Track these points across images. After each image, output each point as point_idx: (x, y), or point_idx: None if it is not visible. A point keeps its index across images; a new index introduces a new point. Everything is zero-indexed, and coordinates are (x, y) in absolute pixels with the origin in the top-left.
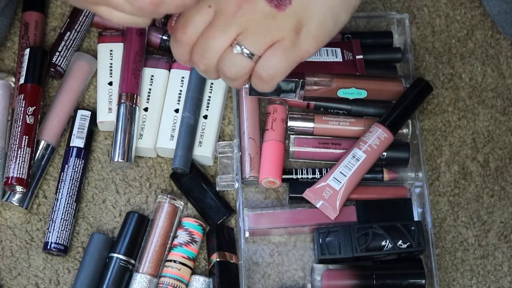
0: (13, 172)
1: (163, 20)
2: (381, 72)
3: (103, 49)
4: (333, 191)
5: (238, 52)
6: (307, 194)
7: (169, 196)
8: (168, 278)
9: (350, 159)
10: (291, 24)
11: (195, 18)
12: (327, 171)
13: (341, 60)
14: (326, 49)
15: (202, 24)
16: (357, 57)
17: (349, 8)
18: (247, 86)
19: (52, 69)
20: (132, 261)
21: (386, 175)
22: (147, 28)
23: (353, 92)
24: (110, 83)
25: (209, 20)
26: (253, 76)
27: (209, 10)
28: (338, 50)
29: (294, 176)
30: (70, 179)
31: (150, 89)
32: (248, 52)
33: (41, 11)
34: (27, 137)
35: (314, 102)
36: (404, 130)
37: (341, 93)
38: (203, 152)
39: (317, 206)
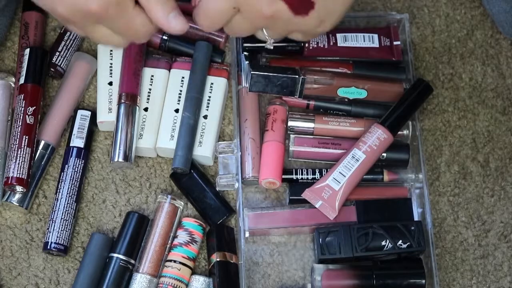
0: (13, 172)
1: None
2: (389, 72)
3: (103, 49)
4: (332, 191)
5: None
6: (307, 194)
7: (169, 196)
8: (168, 278)
9: (350, 160)
10: (313, 24)
11: (220, 17)
12: (327, 172)
13: (378, 46)
14: (363, 35)
15: (226, 21)
16: (395, 43)
17: None
18: (247, 84)
19: (52, 69)
20: (132, 261)
21: (386, 176)
22: None
23: (353, 91)
24: (110, 83)
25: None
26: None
27: (234, 10)
28: (375, 36)
29: (294, 177)
30: (70, 179)
31: (150, 89)
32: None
33: (41, 11)
34: (27, 137)
35: (314, 103)
36: (404, 132)
37: (341, 92)
38: (203, 152)
39: (316, 206)
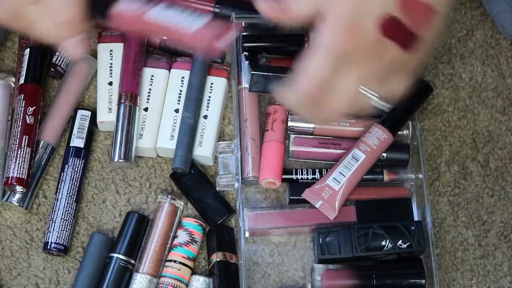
0: (13, 172)
1: None
2: None
3: (103, 49)
4: (332, 191)
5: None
6: (307, 194)
7: (169, 196)
8: (168, 278)
9: (350, 160)
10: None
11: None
12: (327, 172)
13: None
14: None
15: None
16: None
17: None
18: (247, 84)
19: (52, 69)
20: (132, 261)
21: (386, 176)
22: None
23: None
24: (110, 83)
25: None
26: None
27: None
28: None
29: (294, 177)
30: (70, 179)
31: (150, 89)
32: None
33: None
34: (27, 137)
35: None
36: (404, 132)
37: None
38: (203, 152)
39: (316, 206)
